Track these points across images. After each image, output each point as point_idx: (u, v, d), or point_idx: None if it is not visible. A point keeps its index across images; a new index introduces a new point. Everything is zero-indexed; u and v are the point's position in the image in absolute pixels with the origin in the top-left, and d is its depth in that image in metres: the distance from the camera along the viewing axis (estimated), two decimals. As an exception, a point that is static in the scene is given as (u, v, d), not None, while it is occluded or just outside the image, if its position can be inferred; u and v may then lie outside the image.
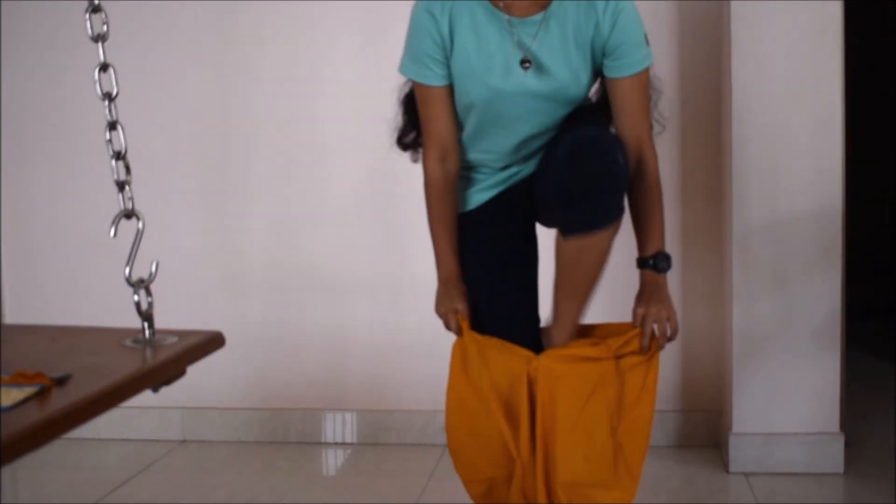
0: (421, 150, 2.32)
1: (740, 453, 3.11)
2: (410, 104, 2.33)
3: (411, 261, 3.37)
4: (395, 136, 2.41)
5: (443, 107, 2.21)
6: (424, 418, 3.48)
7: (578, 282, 2.17)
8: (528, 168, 2.32)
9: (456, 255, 2.29)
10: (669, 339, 2.17)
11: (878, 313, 4.83)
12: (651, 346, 2.16)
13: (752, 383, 3.10)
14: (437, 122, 2.22)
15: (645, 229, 2.20)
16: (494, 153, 2.28)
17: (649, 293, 2.18)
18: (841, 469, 3.06)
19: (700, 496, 2.99)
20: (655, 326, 2.16)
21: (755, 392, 3.10)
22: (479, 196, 2.33)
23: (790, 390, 3.08)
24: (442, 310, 2.29)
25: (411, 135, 2.39)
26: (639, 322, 2.15)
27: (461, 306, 2.25)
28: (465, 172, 2.34)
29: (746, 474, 3.09)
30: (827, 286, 3.06)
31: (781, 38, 3.01)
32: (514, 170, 2.32)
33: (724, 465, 3.16)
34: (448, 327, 2.28)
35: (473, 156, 2.30)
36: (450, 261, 2.29)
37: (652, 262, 2.18)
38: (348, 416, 3.54)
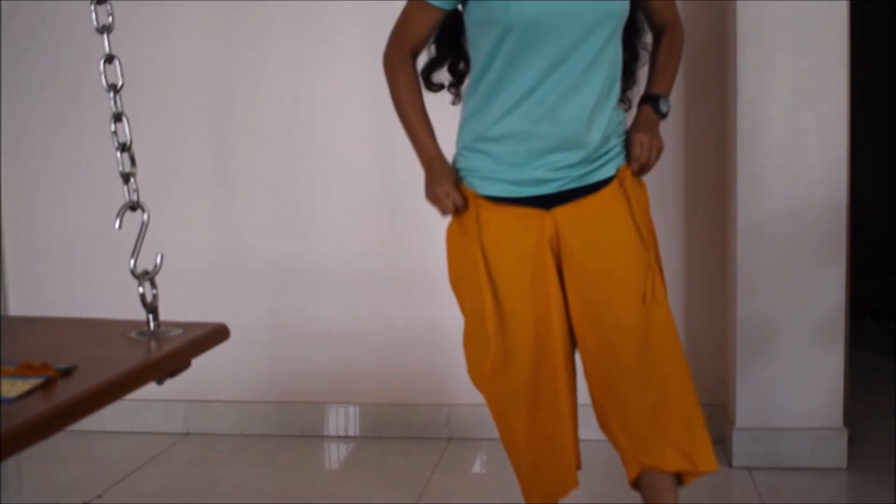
0: (452, 90, 2.32)
1: (743, 448, 3.11)
2: (442, 39, 2.31)
3: (417, 255, 3.37)
4: (423, 73, 2.35)
5: (431, 24, 2.23)
6: (428, 412, 3.48)
7: None
8: (574, 172, 2.16)
9: (433, 135, 2.26)
10: (649, 166, 2.24)
11: (881, 310, 4.82)
12: (640, 168, 2.22)
13: (756, 378, 3.10)
14: (419, 28, 2.23)
15: (658, 72, 2.30)
16: (529, 91, 2.11)
17: (644, 124, 2.25)
18: (844, 464, 3.07)
19: (703, 491, 2.98)
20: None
21: (759, 387, 3.10)
22: (505, 184, 2.16)
23: (793, 385, 3.08)
24: (438, 190, 2.17)
25: (440, 68, 2.33)
26: (638, 145, 2.20)
27: (452, 174, 2.19)
28: (502, 141, 2.17)
29: (750, 469, 3.09)
30: (831, 282, 3.05)
31: (787, 34, 3.00)
32: (553, 157, 2.13)
33: (728, 460, 3.15)
34: (444, 209, 2.18)
35: (508, 91, 2.13)
36: (428, 142, 2.25)
37: (654, 101, 2.27)
38: (352, 409, 3.54)
